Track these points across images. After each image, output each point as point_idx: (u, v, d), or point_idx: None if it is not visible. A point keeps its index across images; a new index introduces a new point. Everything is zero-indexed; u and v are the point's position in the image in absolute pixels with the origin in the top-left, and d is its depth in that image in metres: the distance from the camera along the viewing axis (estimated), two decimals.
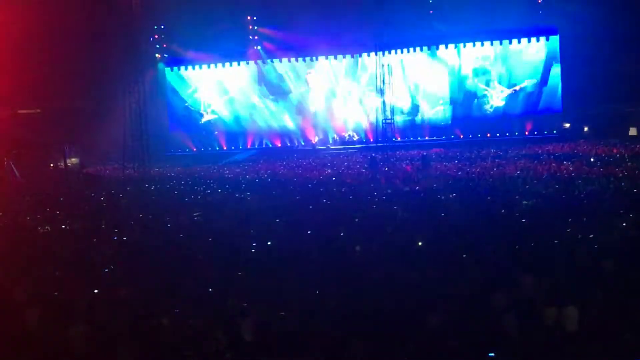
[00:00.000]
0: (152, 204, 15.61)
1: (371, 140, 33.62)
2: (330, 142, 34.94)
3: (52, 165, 29.89)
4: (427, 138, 33.33)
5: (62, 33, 28.95)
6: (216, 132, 36.43)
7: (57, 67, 29.05)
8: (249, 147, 35.84)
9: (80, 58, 30.30)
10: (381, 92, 30.26)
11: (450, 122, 33.47)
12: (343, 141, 34.65)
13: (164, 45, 35.58)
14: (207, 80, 36.53)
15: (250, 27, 34.74)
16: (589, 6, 27.91)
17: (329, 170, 21.94)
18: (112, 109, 30.63)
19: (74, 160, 31.30)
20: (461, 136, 32.64)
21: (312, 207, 13.51)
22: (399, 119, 33.25)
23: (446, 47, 33.22)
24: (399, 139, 32.80)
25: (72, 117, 30.93)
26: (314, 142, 34.68)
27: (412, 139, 33.54)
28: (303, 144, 35.30)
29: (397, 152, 27.72)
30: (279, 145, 35.69)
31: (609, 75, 28.46)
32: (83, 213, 14.48)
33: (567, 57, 30.68)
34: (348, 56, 34.86)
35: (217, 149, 35.99)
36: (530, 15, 30.70)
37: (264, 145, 35.91)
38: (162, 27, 34.94)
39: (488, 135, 32.17)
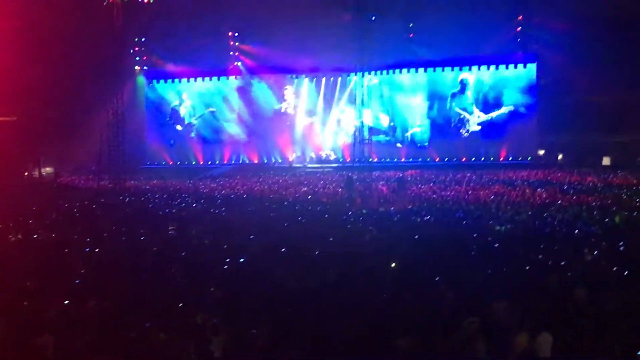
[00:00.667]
0: (124, 216, 15.44)
1: (348, 160, 33.81)
2: (307, 160, 34.99)
3: (26, 174, 29.60)
4: (403, 160, 33.55)
5: (42, 42, 28.79)
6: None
7: (35, 75, 28.80)
8: (225, 162, 35.79)
9: (59, 67, 30.10)
10: (360, 112, 30.45)
11: (427, 145, 33.75)
12: (320, 160, 34.72)
13: (144, 58, 35.47)
14: (186, 94, 36.53)
15: (232, 42, 34.76)
16: (568, 36, 28.45)
17: (305, 189, 21.92)
18: (90, 119, 30.47)
19: (49, 170, 31.05)
20: (437, 159, 32.87)
21: (287, 225, 13.50)
22: (376, 139, 33.49)
23: (425, 71, 33.59)
24: (375, 160, 33.02)
25: (48, 127, 30.62)
26: (290, 159, 34.71)
27: (388, 160, 33.73)
28: (280, 161, 35.32)
29: (374, 173, 27.82)
30: (256, 161, 35.66)
31: (585, 105, 28.94)
32: (51, 223, 14.27)
33: (544, 85, 31.15)
34: (328, 75, 35.06)
35: (194, 163, 35.90)
36: (509, 43, 31.07)
37: (240, 161, 35.87)
38: (143, 39, 34.86)
39: (464, 159, 32.48)
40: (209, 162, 35.78)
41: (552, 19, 29.01)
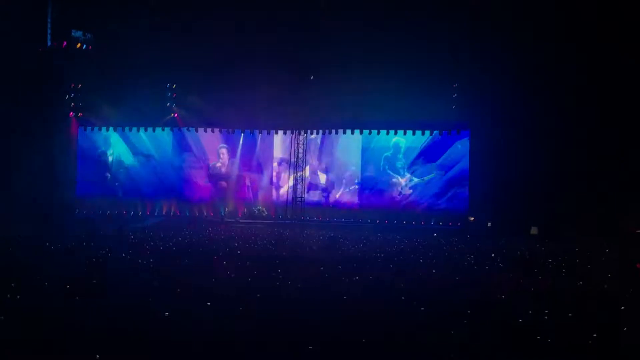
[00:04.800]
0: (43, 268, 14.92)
1: (280, 217, 33.87)
2: (239, 215, 34.83)
3: None
4: (335, 219, 33.75)
5: None
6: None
7: None
8: (156, 214, 35.30)
9: None
10: (295, 169, 30.67)
11: (358, 206, 34.13)
12: (252, 215, 34.61)
13: (80, 104, 34.96)
14: (120, 143, 36.10)
15: (169, 94, 34.64)
16: (503, 107, 29.50)
17: (236, 244, 21.76)
18: (18, 166, 29.83)
19: None
20: (369, 220, 33.16)
21: (214, 280, 13.40)
22: (311, 198, 33.77)
23: (360, 132, 34.18)
24: (309, 218, 33.22)
25: None
26: (223, 214, 34.50)
27: (321, 219, 33.88)
28: (212, 215, 35.05)
29: (305, 231, 27.85)
30: (187, 214, 35.27)
31: (515, 173, 29.82)
32: None
33: (476, 152, 32.02)
34: (264, 131, 35.28)
35: (125, 213, 35.22)
36: (444, 109, 31.77)
37: (172, 214, 35.44)
38: (79, 86, 34.46)
39: (395, 222, 32.89)
40: (140, 213, 35.20)
41: (487, 88, 29.90)
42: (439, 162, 33.44)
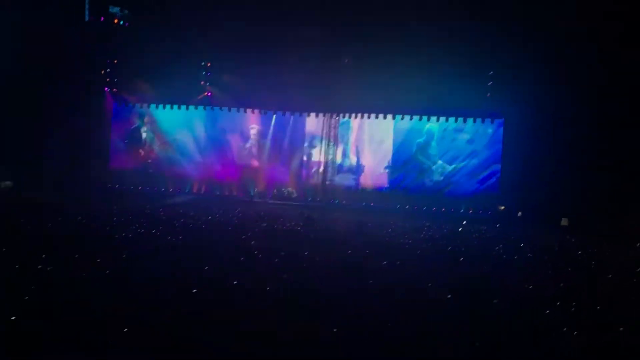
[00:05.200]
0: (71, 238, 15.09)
1: (309, 199, 33.88)
2: (269, 196, 34.93)
3: None
4: (364, 204, 33.66)
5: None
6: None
7: None
8: (186, 191, 35.57)
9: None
10: (325, 151, 30.66)
11: (389, 190, 33.97)
12: (282, 196, 34.68)
13: (115, 80, 35.28)
14: (153, 120, 36.38)
15: (203, 73, 34.75)
16: (538, 97, 29.12)
17: (265, 224, 21.82)
18: (55, 137, 30.33)
19: (8, 183, 30.81)
20: (398, 206, 33.03)
21: (242, 260, 13.42)
22: (341, 180, 33.73)
23: (393, 118, 33.98)
24: (337, 201, 33.20)
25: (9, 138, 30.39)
26: (252, 193, 34.62)
27: (351, 203, 33.81)
28: (242, 195, 35.18)
29: (335, 214, 27.83)
30: (218, 193, 35.46)
31: (547, 164, 29.50)
32: None
33: (509, 141, 31.69)
34: (296, 113, 35.28)
35: (155, 189, 35.54)
36: (478, 97, 31.48)
37: (202, 192, 35.67)
38: (115, 62, 34.76)
39: (424, 208, 32.75)
40: (170, 190, 35.51)
41: (522, 77, 29.53)
42: (471, 149, 33.11)
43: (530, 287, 12.30)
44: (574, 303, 10.59)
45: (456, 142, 33.40)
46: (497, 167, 32.37)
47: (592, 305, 10.56)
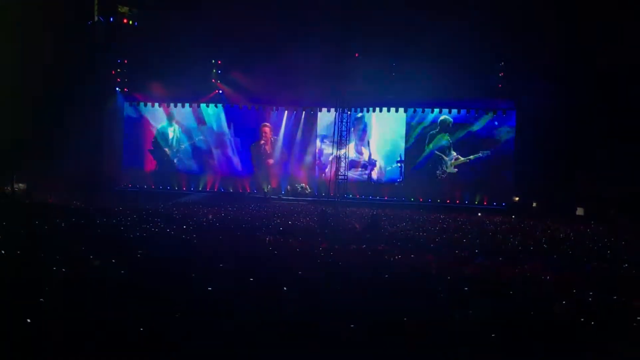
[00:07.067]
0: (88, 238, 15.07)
1: (323, 194, 33.81)
2: (283, 192, 34.94)
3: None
4: (377, 198, 33.60)
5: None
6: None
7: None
8: (200, 189, 35.68)
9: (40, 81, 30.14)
10: (338, 147, 30.59)
11: (402, 184, 33.88)
12: (295, 193, 34.67)
13: (126, 80, 35.35)
14: (164, 118, 36.47)
15: (214, 70, 34.75)
16: (550, 86, 28.84)
17: (279, 220, 21.81)
18: (67, 138, 30.41)
19: (22, 186, 30.94)
20: (412, 199, 32.94)
21: (257, 256, 13.36)
22: (353, 175, 33.65)
23: (405, 110, 33.86)
24: (351, 196, 33.12)
25: (24, 142, 30.50)
26: (266, 190, 34.65)
27: (364, 197, 33.76)
28: (256, 192, 35.23)
29: (348, 209, 27.77)
30: (231, 190, 35.54)
31: (562, 154, 29.29)
32: None
33: (523, 132, 31.45)
34: (308, 109, 35.20)
35: (168, 188, 35.68)
36: (490, 87, 31.33)
37: (216, 189, 35.75)
38: (125, 61, 34.82)
39: (438, 200, 32.65)
40: (184, 189, 35.64)
41: (534, 66, 29.32)
42: (484, 141, 32.93)
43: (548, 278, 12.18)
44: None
45: (469, 133, 33.23)
46: (511, 157, 32.14)
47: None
